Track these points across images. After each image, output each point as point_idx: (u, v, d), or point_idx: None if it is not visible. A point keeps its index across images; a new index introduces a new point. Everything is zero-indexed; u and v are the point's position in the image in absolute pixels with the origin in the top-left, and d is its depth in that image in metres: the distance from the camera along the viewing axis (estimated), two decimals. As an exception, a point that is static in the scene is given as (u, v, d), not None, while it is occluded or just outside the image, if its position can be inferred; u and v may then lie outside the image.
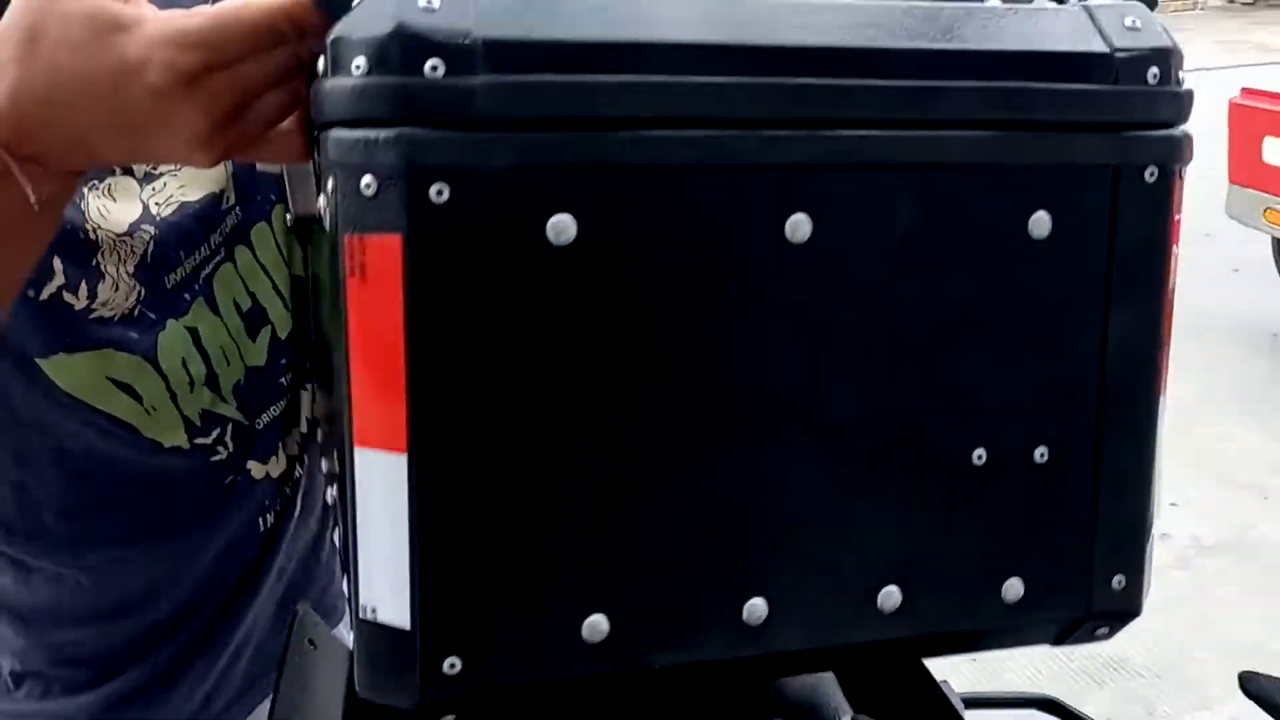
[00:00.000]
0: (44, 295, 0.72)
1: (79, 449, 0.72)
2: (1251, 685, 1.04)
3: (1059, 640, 0.65)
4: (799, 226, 0.51)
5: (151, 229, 0.77)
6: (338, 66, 0.45)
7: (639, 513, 0.51)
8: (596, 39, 0.47)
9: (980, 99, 0.54)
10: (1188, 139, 0.59)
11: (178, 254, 0.78)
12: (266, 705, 0.89)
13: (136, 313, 0.76)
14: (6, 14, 0.53)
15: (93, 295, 0.74)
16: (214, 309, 0.81)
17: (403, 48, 0.44)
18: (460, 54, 0.44)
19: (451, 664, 0.49)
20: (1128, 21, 0.57)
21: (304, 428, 0.91)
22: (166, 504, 0.83)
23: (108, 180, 0.76)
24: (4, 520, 0.78)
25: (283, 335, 0.85)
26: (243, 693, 0.94)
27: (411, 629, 0.48)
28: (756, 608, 0.55)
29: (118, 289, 0.75)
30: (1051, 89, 0.55)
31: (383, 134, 0.44)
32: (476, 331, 0.46)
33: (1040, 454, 0.59)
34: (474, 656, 0.49)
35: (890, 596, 0.57)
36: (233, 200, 0.81)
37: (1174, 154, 0.58)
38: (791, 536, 0.55)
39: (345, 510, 0.50)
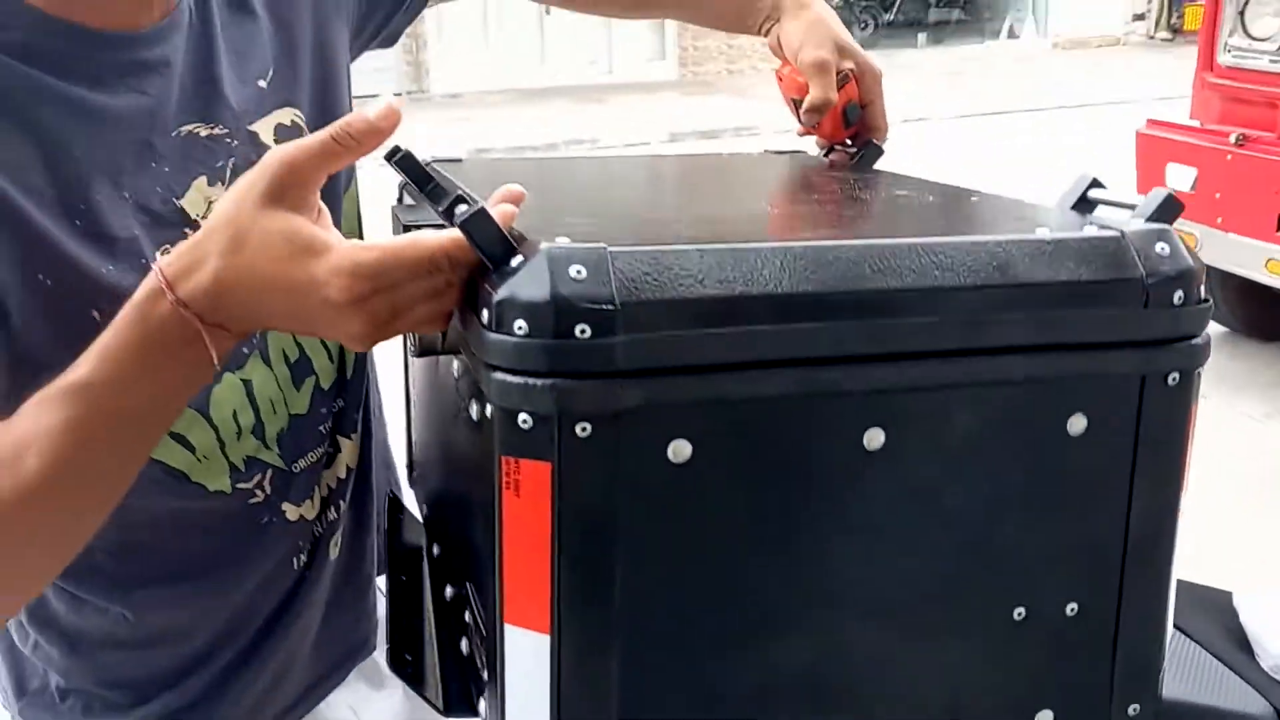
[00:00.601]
0: None
1: (132, 495, 0.73)
2: None
3: None
4: (874, 438, 0.61)
5: None
6: (501, 324, 0.56)
7: (731, 689, 0.62)
8: (711, 296, 0.57)
9: (1029, 327, 0.63)
10: (1206, 345, 0.67)
11: None
12: (324, 705, 1.02)
13: None
14: (218, 209, 0.65)
15: None
16: (266, 360, 0.88)
17: (557, 315, 0.55)
18: (603, 319, 0.55)
19: None
20: (1159, 248, 0.65)
21: (342, 473, 0.99)
22: (207, 544, 0.90)
23: (179, 245, 0.85)
24: None
25: (325, 385, 0.93)
26: (296, 704, 1.02)
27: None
28: None
29: None
30: (1089, 314, 0.64)
31: (539, 383, 0.55)
32: (609, 538, 0.57)
33: (1071, 609, 0.69)
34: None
35: (941, 726, 0.68)
36: None
37: (1194, 361, 0.67)
38: (860, 690, 0.65)
39: (492, 665, 0.62)
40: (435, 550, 0.86)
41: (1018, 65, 13.98)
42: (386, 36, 1.10)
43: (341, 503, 1.00)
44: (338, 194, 0.95)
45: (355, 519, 1.04)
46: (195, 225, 0.82)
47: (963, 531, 0.65)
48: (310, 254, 0.61)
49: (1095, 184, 0.77)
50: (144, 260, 0.79)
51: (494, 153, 8.26)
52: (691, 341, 0.57)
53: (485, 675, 0.64)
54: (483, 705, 0.66)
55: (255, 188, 0.63)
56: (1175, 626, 1.16)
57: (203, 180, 0.84)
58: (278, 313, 0.64)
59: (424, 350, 0.67)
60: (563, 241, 0.57)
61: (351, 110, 0.84)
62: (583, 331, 0.55)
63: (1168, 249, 0.66)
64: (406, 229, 0.74)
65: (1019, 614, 0.68)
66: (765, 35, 1.11)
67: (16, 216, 0.74)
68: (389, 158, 0.66)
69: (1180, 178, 4.48)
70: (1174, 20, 15.42)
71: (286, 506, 0.93)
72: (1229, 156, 4.29)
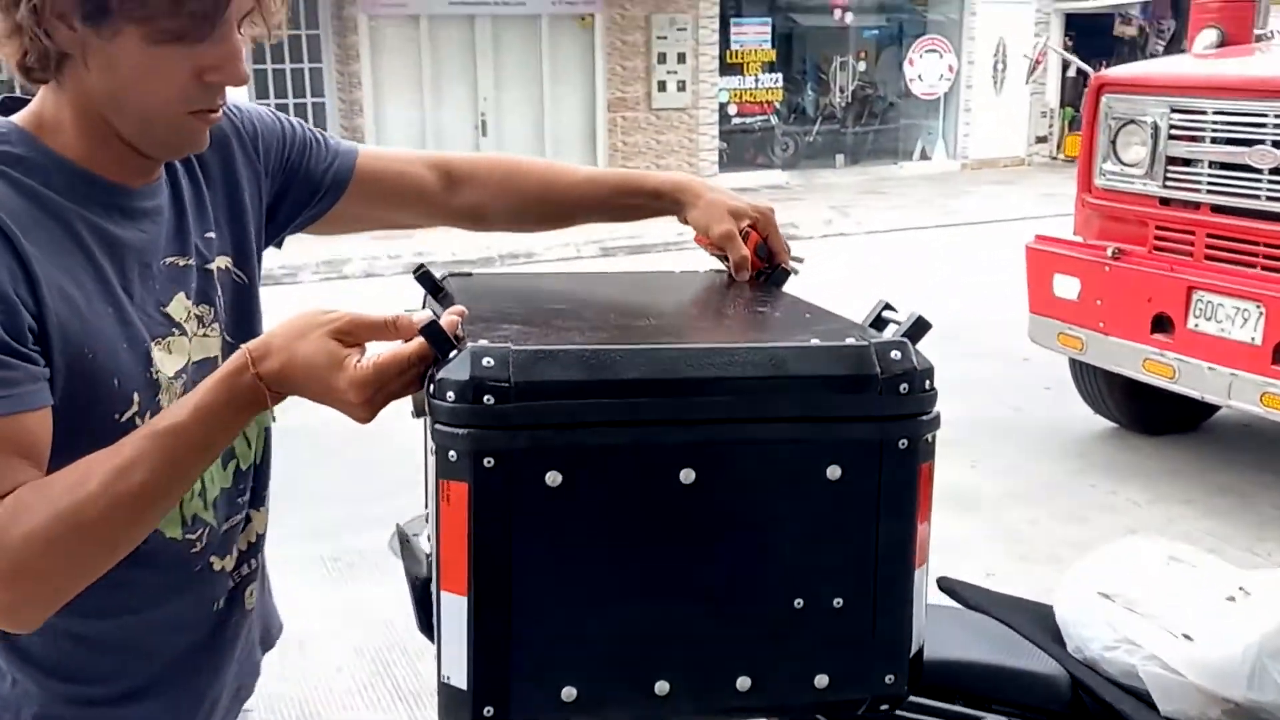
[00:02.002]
0: (123, 419, 1.06)
1: None
2: (944, 584, 1.53)
3: (859, 713, 1.04)
4: (687, 475, 0.92)
5: (185, 375, 1.12)
6: (440, 394, 0.87)
7: (597, 633, 0.92)
8: (574, 380, 0.89)
9: (795, 405, 0.94)
10: (931, 420, 0.97)
11: None
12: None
13: None
14: (295, 319, 0.98)
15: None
16: None
17: (473, 389, 0.86)
18: (502, 392, 0.86)
19: (488, 711, 0.89)
20: (894, 354, 0.97)
21: (253, 537, 1.28)
22: (154, 578, 1.15)
23: (168, 339, 1.12)
24: None
25: (243, 467, 1.23)
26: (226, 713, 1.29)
27: (467, 690, 0.89)
28: (663, 687, 0.95)
29: None
30: (840, 397, 0.95)
31: (461, 431, 0.86)
32: (507, 533, 0.87)
33: (837, 602, 0.98)
34: (500, 708, 0.89)
35: (744, 683, 0.97)
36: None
37: (919, 432, 0.97)
38: (687, 645, 0.95)
39: (436, 619, 0.90)
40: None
41: (929, 184, 14.76)
42: (297, 226, 1.36)
43: (254, 560, 1.29)
44: (255, 336, 1.22)
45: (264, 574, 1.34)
46: (181, 326, 1.12)
47: (752, 543, 0.95)
48: (338, 366, 0.96)
49: (888, 306, 1.09)
50: (145, 346, 1.09)
51: (439, 262, 8.66)
52: (560, 407, 0.88)
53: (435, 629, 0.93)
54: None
55: (328, 322, 0.97)
56: (1008, 625, 1.54)
57: (182, 294, 1.14)
58: (313, 393, 0.98)
59: (417, 413, 0.98)
60: (483, 342, 0.89)
61: (259, 263, 1.27)
62: (488, 399, 0.86)
63: (900, 355, 0.96)
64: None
65: (798, 604, 0.97)
66: (689, 223, 1.40)
67: (73, 308, 1.02)
68: (415, 274, 1.11)
69: (1066, 287, 4.94)
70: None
71: (213, 558, 1.21)
72: (1107, 268, 4.73)
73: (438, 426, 0.87)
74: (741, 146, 15.30)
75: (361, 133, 12.66)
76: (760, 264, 1.36)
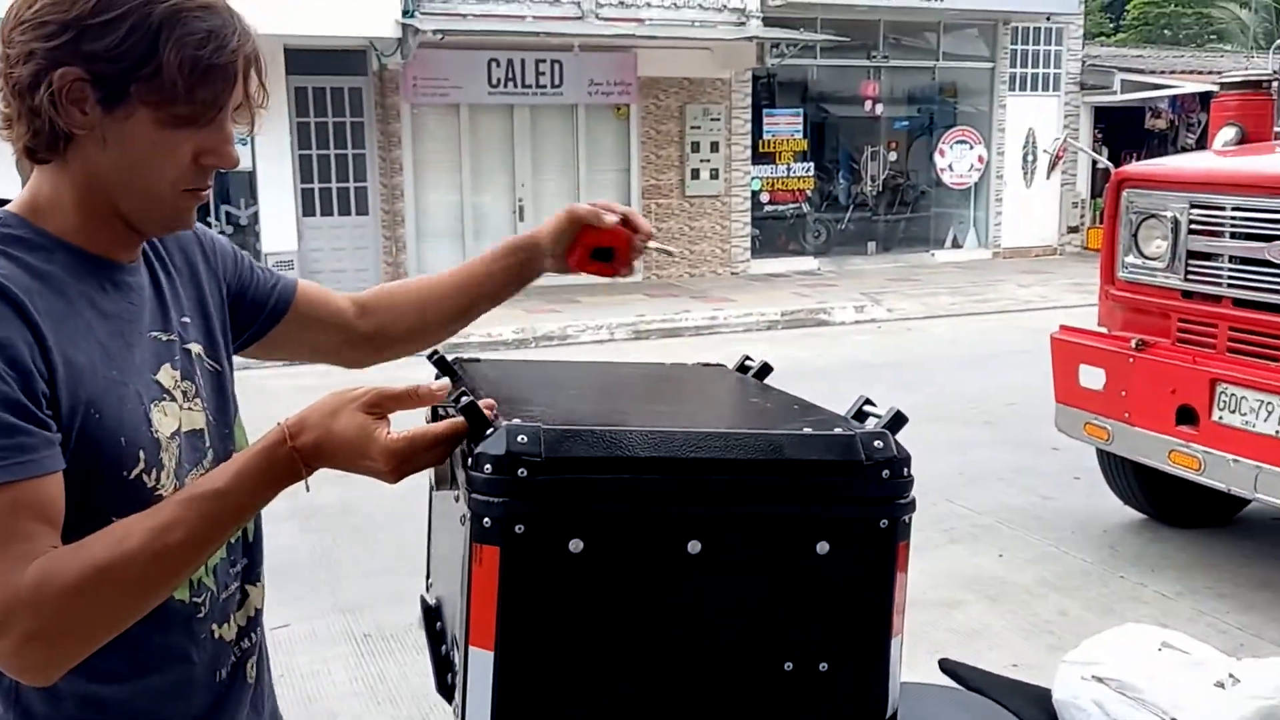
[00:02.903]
0: (132, 476, 1.12)
1: None
2: (945, 665, 1.59)
3: None
4: (694, 545, 1.01)
5: (178, 439, 1.19)
6: (478, 467, 0.97)
7: (609, 688, 1.01)
8: (597, 457, 0.99)
9: (788, 487, 1.04)
10: (908, 504, 1.06)
11: (189, 461, 1.20)
12: None
13: None
14: (329, 397, 1.08)
15: (156, 480, 1.14)
16: None
17: (508, 463, 0.96)
18: (534, 466, 0.96)
19: None
20: (876, 444, 1.07)
21: (252, 612, 1.32)
22: (165, 642, 1.18)
23: (162, 403, 1.18)
24: None
25: (233, 540, 1.26)
26: None
27: (489, 740, 0.98)
28: None
29: (167, 478, 1.15)
30: (828, 481, 1.05)
31: (495, 500, 0.96)
32: (532, 594, 0.97)
33: (823, 666, 1.07)
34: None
35: (742, 739, 1.05)
36: (207, 441, 1.25)
37: (896, 513, 1.06)
38: (690, 702, 1.04)
39: (462, 673, 1.00)
40: (437, 625, 1.25)
41: (961, 272, 14.88)
42: (240, 345, 1.42)
43: (254, 635, 1.34)
44: (230, 423, 1.32)
45: (265, 653, 1.38)
46: (170, 394, 1.19)
47: (749, 608, 1.05)
48: (370, 440, 1.07)
49: (868, 401, 1.20)
50: (144, 407, 1.15)
51: (478, 344, 8.87)
52: (584, 481, 0.98)
53: (458, 677, 1.03)
54: (456, 693, 1.04)
55: (357, 398, 1.07)
56: (1005, 707, 1.61)
57: (168, 366, 1.21)
58: (346, 466, 1.08)
59: (438, 485, 1.08)
60: (517, 421, 0.99)
61: (229, 360, 1.33)
62: (521, 472, 0.96)
63: (882, 444, 1.07)
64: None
65: (788, 666, 1.06)
66: (559, 252, 1.50)
67: (79, 372, 1.08)
68: (430, 358, 1.18)
69: (1091, 377, 4.99)
70: (1103, 233, 16.63)
71: (214, 626, 1.26)
72: (1131, 359, 4.77)
73: (474, 495, 0.97)
74: (774, 233, 15.52)
75: (402, 216, 12.99)
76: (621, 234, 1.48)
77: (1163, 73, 16.91)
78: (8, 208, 1.16)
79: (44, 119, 1.08)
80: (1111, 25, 29.95)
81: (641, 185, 14.27)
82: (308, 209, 12.87)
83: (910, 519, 1.08)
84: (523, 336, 10.39)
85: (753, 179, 14.99)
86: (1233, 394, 4.40)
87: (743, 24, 13.97)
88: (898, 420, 1.11)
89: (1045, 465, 6.12)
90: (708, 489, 1.01)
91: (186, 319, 1.28)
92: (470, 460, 0.98)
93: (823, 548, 1.04)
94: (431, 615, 1.25)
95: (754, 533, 1.03)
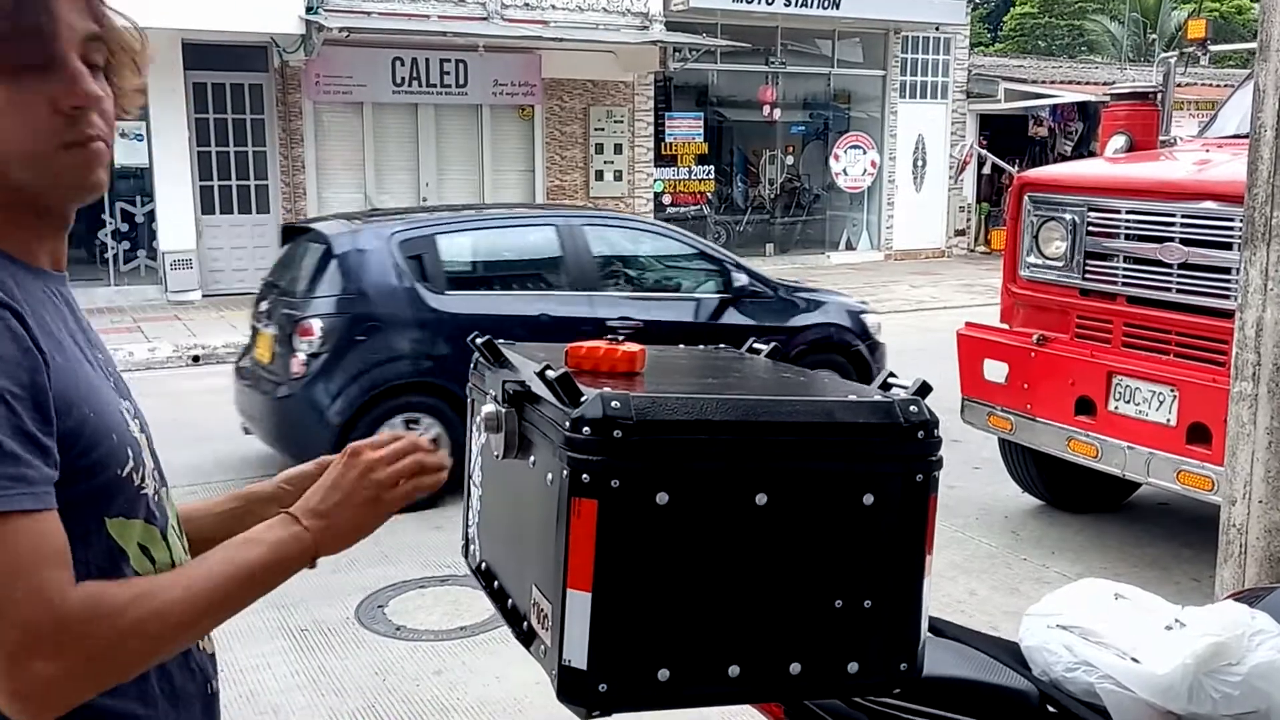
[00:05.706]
0: (124, 473, 1.10)
1: None
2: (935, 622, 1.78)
3: (880, 693, 1.27)
4: (761, 497, 1.16)
5: (143, 441, 1.16)
6: (577, 428, 1.10)
7: (686, 625, 1.14)
8: (679, 419, 1.12)
9: (840, 446, 1.19)
10: (938, 461, 1.23)
11: (154, 465, 1.18)
12: None
13: (155, 499, 1.15)
14: (337, 477, 1.16)
15: (141, 479, 1.13)
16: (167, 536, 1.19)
17: (605, 425, 1.09)
18: (627, 427, 1.10)
19: (602, 687, 1.11)
20: (912, 409, 1.23)
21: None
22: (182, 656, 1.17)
23: (126, 402, 1.15)
24: None
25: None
26: None
27: (587, 669, 1.10)
28: (734, 671, 1.17)
29: (148, 478, 1.15)
30: (873, 440, 1.21)
31: (593, 458, 1.09)
32: (624, 541, 1.10)
33: (868, 604, 1.22)
34: (611, 685, 1.11)
35: (796, 668, 1.20)
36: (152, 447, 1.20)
37: (930, 468, 1.23)
38: (754, 637, 1.18)
39: (559, 613, 1.12)
40: (495, 584, 1.36)
41: (856, 273, 15.33)
42: None
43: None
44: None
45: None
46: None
47: (806, 553, 1.20)
48: (379, 500, 1.16)
49: (891, 374, 1.36)
50: (120, 405, 1.14)
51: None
52: (670, 441, 1.12)
53: (547, 623, 1.15)
54: (543, 634, 1.16)
55: (357, 477, 1.15)
56: (983, 652, 1.79)
57: (112, 380, 1.16)
58: (354, 539, 1.16)
59: (505, 452, 1.20)
60: (607, 389, 1.12)
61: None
62: (617, 434, 1.09)
63: (916, 409, 1.24)
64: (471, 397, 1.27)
65: (838, 604, 1.22)
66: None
67: (68, 375, 1.05)
68: (471, 341, 1.23)
69: (995, 371, 5.29)
70: (988, 236, 17.38)
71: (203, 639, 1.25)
72: (1033, 354, 5.07)
73: (573, 455, 1.10)
74: (675, 235, 15.75)
75: (304, 214, 12.83)
76: None
77: (1043, 82, 17.67)
78: None
79: None
80: (990, 35, 31.06)
81: (546, 186, 14.36)
82: (207, 207, 12.65)
83: (939, 475, 1.23)
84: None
85: (655, 181, 15.22)
86: (1127, 385, 4.72)
87: (646, 28, 14.17)
88: (924, 389, 1.27)
89: (946, 456, 6.41)
90: (773, 448, 1.16)
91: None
92: (569, 424, 1.11)
93: (869, 499, 1.20)
94: (489, 577, 1.37)
95: (812, 486, 1.18)
